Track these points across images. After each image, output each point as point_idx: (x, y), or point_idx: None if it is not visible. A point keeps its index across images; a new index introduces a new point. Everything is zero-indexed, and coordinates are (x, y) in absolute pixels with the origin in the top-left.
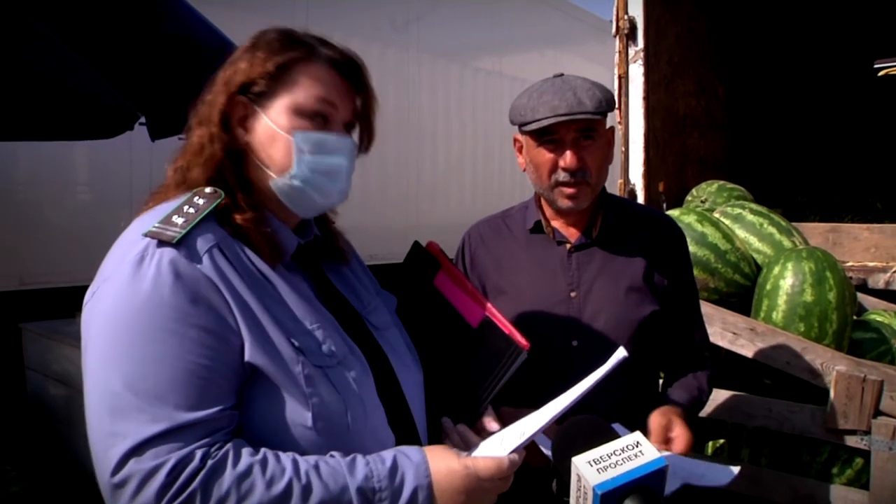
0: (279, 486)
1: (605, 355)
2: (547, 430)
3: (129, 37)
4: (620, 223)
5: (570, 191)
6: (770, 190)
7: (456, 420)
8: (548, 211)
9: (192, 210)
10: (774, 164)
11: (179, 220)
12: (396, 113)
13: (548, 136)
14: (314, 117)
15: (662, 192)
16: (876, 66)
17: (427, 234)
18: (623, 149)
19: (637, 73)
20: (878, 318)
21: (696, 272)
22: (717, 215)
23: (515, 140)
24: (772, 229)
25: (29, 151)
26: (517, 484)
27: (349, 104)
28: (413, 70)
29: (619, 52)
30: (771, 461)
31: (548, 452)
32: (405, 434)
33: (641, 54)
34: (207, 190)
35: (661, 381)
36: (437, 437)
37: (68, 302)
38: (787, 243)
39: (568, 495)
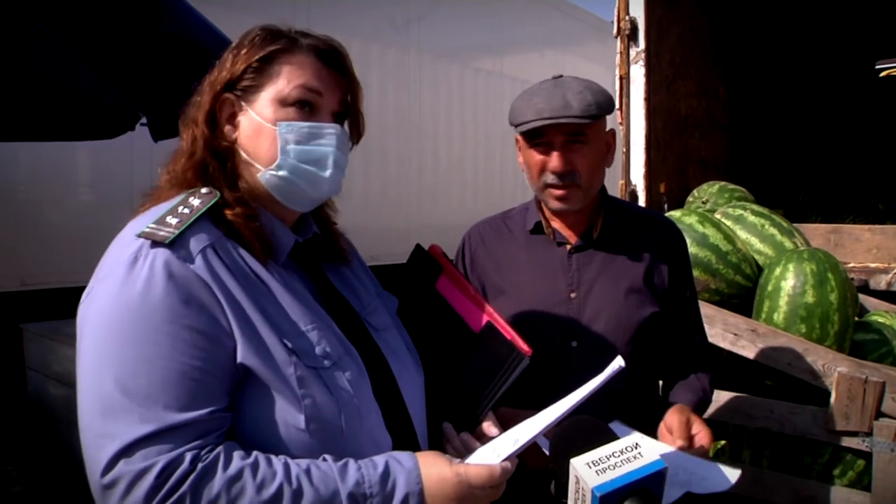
0: (269, 491)
1: (604, 356)
2: (546, 432)
3: (129, 37)
4: (621, 225)
5: (558, 193)
6: (771, 191)
7: (456, 424)
8: (547, 212)
9: (186, 210)
10: (776, 165)
11: (173, 221)
12: (397, 113)
13: (537, 139)
14: (300, 106)
15: (664, 193)
16: (877, 66)
17: (428, 234)
18: (624, 150)
19: (638, 73)
20: (880, 320)
21: (697, 273)
22: (718, 216)
23: (517, 140)
24: (773, 230)
25: (30, 152)
26: (515, 486)
27: (336, 92)
28: (414, 70)
29: (621, 52)
30: (772, 462)
31: (547, 452)
32: (403, 436)
33: (643, 55)
34: (203, 190)
35: (660, 384)
36: (437, 440)
37: (69, 302)
38: (788, 244)
39: (566, 497)
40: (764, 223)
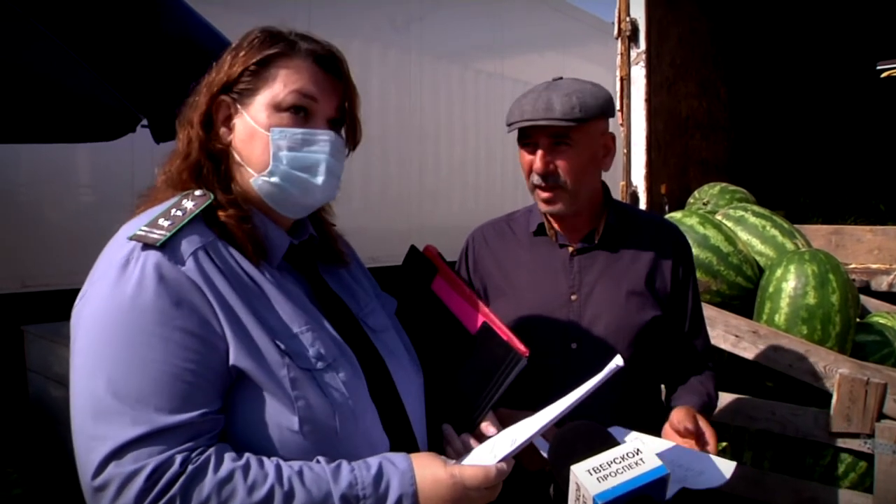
0: (260, 493)
1: (603, 359)
2: (545, 433)
3: (129, 38)
4: (624, 228)
5: (544, 194)
6: (773, 192)
7: (455, 425)
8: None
9: (179, 213)
10: (777, 166)
11: (165, 224)
12: (398, 114)
13: (525, 140)
14: (294, 112)
15: (665, 195)
16: (878, 67)
17: (429, 236)
18: (625, 151)
19: (639, 74)
20: (882, 321)
21: (698, 275)
22: (719, 217)
23: None
24: (774, 231)
25: (31, 153)
26: (513, 488)
27: (333, 98)
28: (415, 71)
29: (621, 53)
30: (774, 464)
31: (546, 455)
32: (401, 437)
33: (643, 56)
34: (197, 192)
35: (662, 390)
36: (437, 442)
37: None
38: (789, 245)
39: (565, 501)
40: (765, 224)
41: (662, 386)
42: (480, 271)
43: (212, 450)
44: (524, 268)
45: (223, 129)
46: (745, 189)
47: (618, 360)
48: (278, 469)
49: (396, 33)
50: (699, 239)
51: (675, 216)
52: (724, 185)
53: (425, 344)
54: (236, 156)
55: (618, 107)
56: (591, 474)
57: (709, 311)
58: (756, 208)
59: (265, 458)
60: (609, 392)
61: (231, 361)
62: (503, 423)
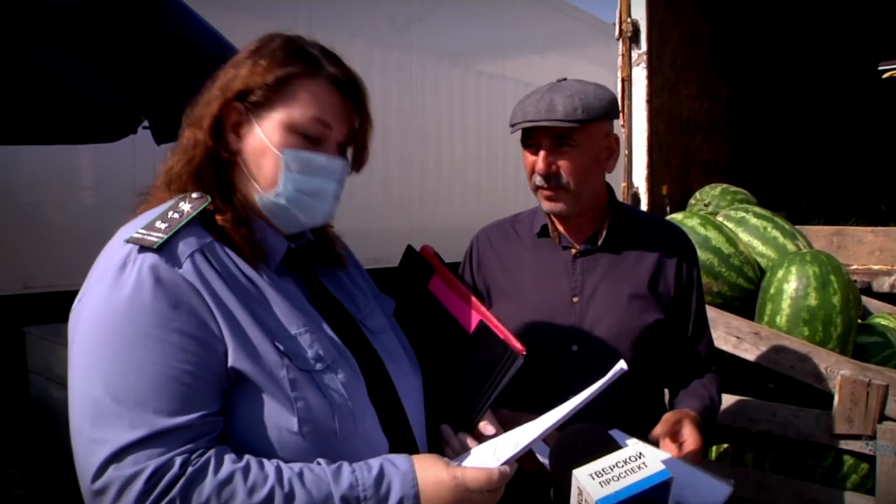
0: (261, 494)
1: (604, 362)
2: (546, 437)
3: (130, 39)
4: (628, 231)
5: (546, 194)
6: (774, 193)
7: (454, 425)
8: (553, 215)
9: (176, 215)
10: (778, 167)
11: (162, 226)
12: (399, 115)
13: (528, 140)
14: (307, 136)
15: (666, 196)
16: (880, 67)
17: (430, 237)
18: (626, 152)
19: (640, 76)
20: (883, 322)
21: None
22: (720, 219)
23: None
24: (775, 233)
25: (32, 155)
26: (513, 491)
27: (345, 124)
28: (416, 72)
29: (623, 55)
30: (775, 466)
31: (543, 460)
32: (400, 439)
33: (644, 57)
34: (194, 195)
35: (665, 393)
36: (436, 443)
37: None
38: (790, 247)
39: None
40: (766, 226)
41: (666, 390)
42: (484, 272)
43: (211, 452)
44: (527, 269)
45: (232, 136)
46: (746, 190)
47: (621, 364)
48: (278, 470)
49: (397, 33)
50: (700, 240)
51: (676, 217)
52: (725, 186)
53: (423, 344)
54: (243, 168)
55: (616, 112)
56: (593, 478)
57: (710, 313)
58: (757, 209)
59: (265, 460)
60: (611, 395)
61: (230, 363)
62: (504, 425)
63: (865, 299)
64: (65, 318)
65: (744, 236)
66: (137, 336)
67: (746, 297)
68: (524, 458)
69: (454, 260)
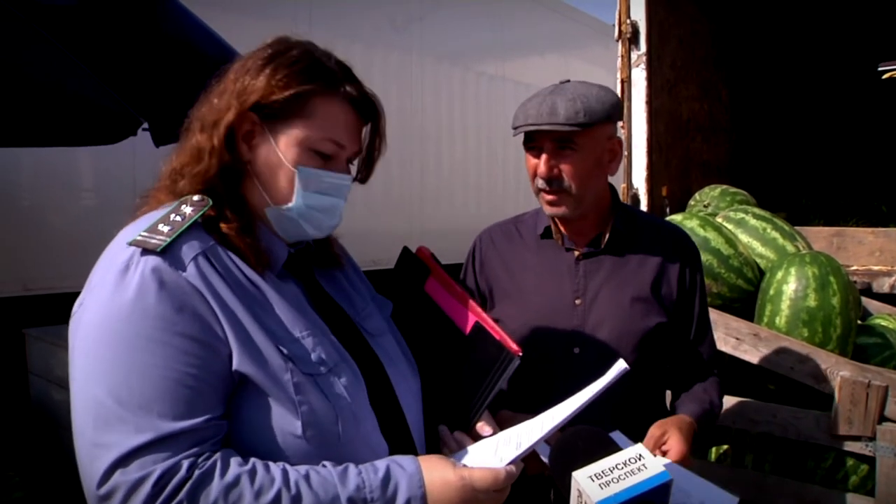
0: (268, 497)
1: (606, 365)
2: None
3: (129, 41)
4: (631, 233)
5: (549, 198)
6: (774, 194)
7: (451, 426)
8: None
9: (178, 218)
10: (778, 168)
11: (165, 229)
12: (399, 116)
13: (530, 143)
14: (321, 154)
15: (666, 197)
16: (880, 68)
17: (430, 238)
18: (626, 153)
19: (640, 77)
20: (883, 323)
21: None
22: (719, 220)
23: None
24: (775, 234)
25: (32, 157)
26: (514, 492)
27: (357, 142)
28: (416, 72)
29: (622, 56)
30: (775, 467)
31: (546, 460)
32: (399, 442)
33: (644, 58)
34: (195, 198)
35: (668, 395)
36: (434, 444)
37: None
38: (790, 248)
39: None
40: (765, 227)
41: (668, 392)
42: (487, 273)
43: (217, 455)
44: (530, 271)
45: (244, 146)
46: (746, 191)
47: (622, 364)
48: (285, 473)
49: (397, 34)
50: (700, 241)
51: (675, 218)
52: (724, 187)
53: (419, 345)
54: (254, 179)
55: (619, 115)
56: (592, 480)
57: (709, 314)
58: (757, 210)
59: (270, 463)
60: (612, 397)
61: (234, 366)
62: (503, 426)
63: (865, 300)
64: (65, 320)
65: (743, 237)
66: (141, 339)
67: (746, 299)
68: (527, 459)
69: (454, 261)
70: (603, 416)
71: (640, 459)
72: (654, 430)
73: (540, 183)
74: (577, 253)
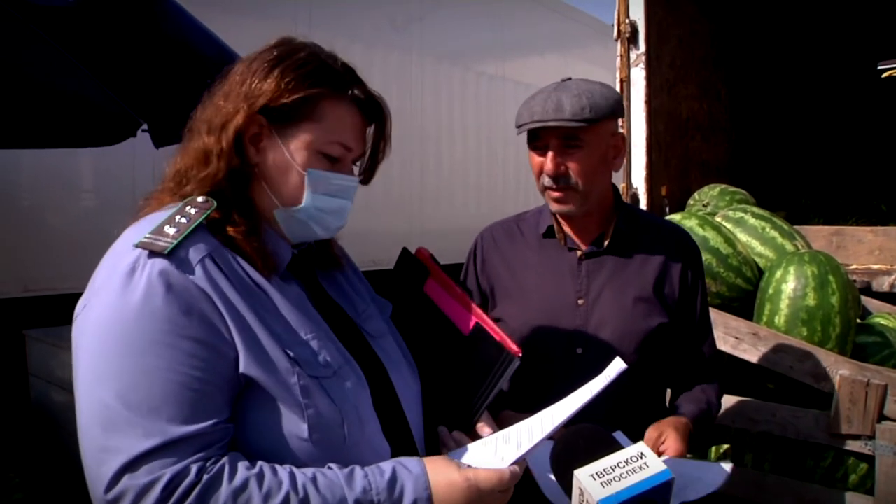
0: (276, 500)
1: (608, 365)
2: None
3: (129, 43)
4: (634, 233)
5: (555, 195)
6: (773, 193)
7: (451, 427)
8: (559, 216)
9: (183, 220)
10: (778, 167)
11: (171, 231)
12: (399, 116)
13: (535, 141)
14: (329, 157)
15: (665, 196)
16: (879, 67)
17: (430, 238)
18: (626, 153)
19: (639, 76)
20: (883, 322)
21: None
22: (718, 219)
23: None
24: (774, 233)
25: (32, 158)
26: (514, 491)
27: (363, 143)
28: (416, 72)
29: (621, 55)
30: (774, 466)
31: (534, 469)
32: (401, 444)
33: (643, 58)
34: (199, 199)
35: (667, 393)
36: (434, 445)
37: (72, 308)
38: (789, 247)
39: None
40: (765, 226)
41: (668, 391)
42: (488, 271)
43: (225, 459)
44: (532, 270)
45: (251, 149)
46: (746, 190)
47: (620, 363)
48: (292, 476)
49: (397, 34)
50: (699, 241)
51: (674, 218)
52: (723, 186)
53: (419, 346)
54: (263, 181)
55: (621, 112)
56: (594, 479)
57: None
58: (756, 210)
59: (278, 466)
60: (612, 396)
61: (241, 370)
62: (505, 426)
63: (865, 299)
64: (66, 321)
65: (742, 236)
66: (148, 342)
67: (745, 298)
68: None
69: (454, 261)
70: (603, 415)
71: (641, 458)
72: (651, 433)
73: (546, 180)
74: (579, 253)
